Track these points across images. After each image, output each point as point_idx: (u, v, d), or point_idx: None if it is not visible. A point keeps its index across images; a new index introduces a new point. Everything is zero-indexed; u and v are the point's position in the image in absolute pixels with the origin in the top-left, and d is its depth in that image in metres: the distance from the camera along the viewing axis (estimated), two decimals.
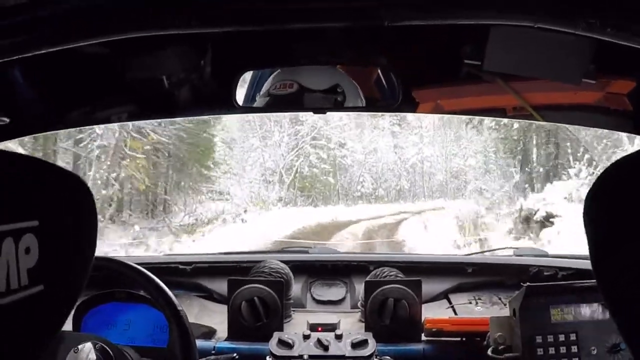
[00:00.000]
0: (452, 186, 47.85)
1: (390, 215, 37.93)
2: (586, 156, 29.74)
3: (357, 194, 45.55)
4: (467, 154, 46.59)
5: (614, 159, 1.13)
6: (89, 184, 1.11)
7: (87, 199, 1.10)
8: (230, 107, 2.76)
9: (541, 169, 37.20)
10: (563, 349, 2.52)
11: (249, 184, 40.85)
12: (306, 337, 2.74)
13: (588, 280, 2.60)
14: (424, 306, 3.09)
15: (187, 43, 2.63)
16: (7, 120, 2.58)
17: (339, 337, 2.74)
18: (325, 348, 2.68)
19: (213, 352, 2.90)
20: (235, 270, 3.51)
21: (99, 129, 23.70)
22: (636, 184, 0.99)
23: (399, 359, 2.83)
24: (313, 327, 2.92)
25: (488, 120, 34.03)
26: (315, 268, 3.71)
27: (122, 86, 2.76)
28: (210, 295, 3.56)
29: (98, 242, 1.15)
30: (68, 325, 2.48)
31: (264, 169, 42.53)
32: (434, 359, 2.94)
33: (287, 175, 43.22)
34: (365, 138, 47.15)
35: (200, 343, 2.64)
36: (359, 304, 3.33)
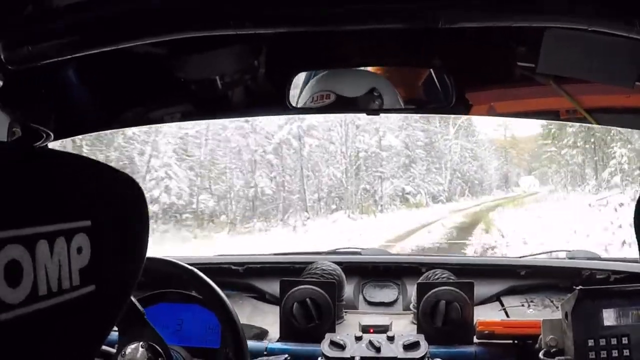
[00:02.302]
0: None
1: None
2: None
3: (246, 228, 26.22)
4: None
5: None
6: None
7: (139, 199, 1.11)
8: (284, 107, 2.77)
9: None
10: (615, 353, 2.50)
11: None
12: (358, 339, 2.75)
13: None
14: (475, 308, 3.08)
15: (241, 44, 2.64)
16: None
17: (391, 339, 2.74)
18: (377, 350, 2.69)
19: (265, 353, 2.91)
20: (287, 271, 3.52)
21: None
22: None
23: None
24: (365, 329, 2.91)
25: None
26: (367, 269, 3.71)
27: (176, 86, 2.78)
28: (262, 296, 3.58)
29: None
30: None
31: None
32: None
33: None
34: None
35: (252, 344, 2.66)
36: (411, 306, 3.33)
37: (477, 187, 39.27)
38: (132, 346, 2.26)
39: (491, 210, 33.66)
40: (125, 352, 2.27)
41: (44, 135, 2.61)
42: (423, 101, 3.04)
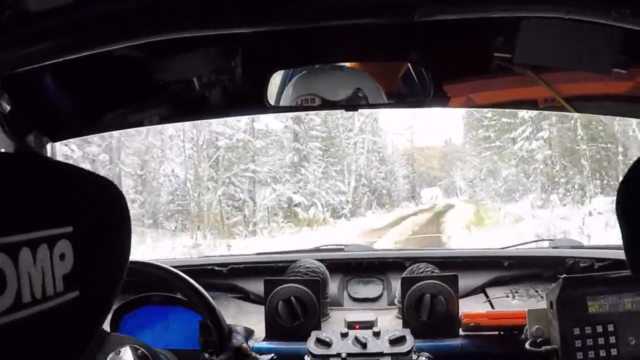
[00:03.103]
0: None
1: None
2: None
3: None
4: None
5: None
6: None
7: (120, 204, 1.11)
8: (262, 106, 2.77)
9: None
10: (601, 340, 2.51)
11: None
12: (344, 335, 2.75)
13: (625, 271, 2.59)
14: (460, 301, 3.10)
15: (218, 44, 2.64)
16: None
17: (376, 334, 2.74)
18: (364, 345, 2.68)
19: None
20: (271, 271, 3.53)
21: None
22: None
23: (437, 354, 2.82)
24: (350, 325, 2.91)
25: None
26: (351, 266, 3.71)
27: (154, 89, 2.78)
28: (247, 296, 3.59)
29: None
30: (105, 329, 2.50)
31: None
32: (472, 354, 2.94)
33: None
34: None
35: None
36: (395, 301, 3.33)
37: (385, 198, 33.19)
38: (118, 351, 2.26)
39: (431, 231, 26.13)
40: (118, 352, 2.27)
41: (25, 142, 2.60)
42: (402, 95, 3.04)
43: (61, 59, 1.98)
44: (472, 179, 35.61)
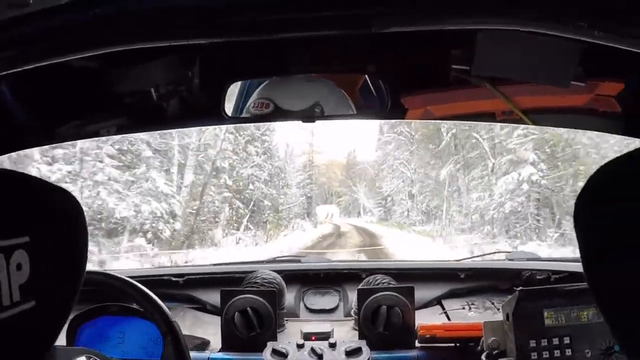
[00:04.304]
0: None
1: None
2: None
3: None
4: None
5: None
6: None
7: (76, 214, 1.10)
8: (219, 117, 2.75)
9: None
10: (557, 353, 2.52)
11: None
12: (300, 347, 2.75)
13: (581, 283, 2.61)
14: (417, 313, 3.09)
15: (175, 54, 2.62)
16: None
17: (332, 346, 2.74)
18: (320, 357, 2.69)
19: None
20: (228, 281, 3.50)
21: None
22: (623, 188, 1.00)
23: None
24: (307, 336, 2.92)
25: None
26: (307, 277, 3.71)
27: (111, 99, 2.75)
28: (203, 307, 3.58)
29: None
30: (61, 340, 2.47)
31: None
32: None
33: None
34: None
35: (194, 355, 2.64)
36: (352, 312, 3.35)
37: (268, 212, 23.80)
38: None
39: None
40: None
41: None
42: (358, 107, 3.04)
43: (14, 70, 1.96)
44: (387, 196, 33.39)
